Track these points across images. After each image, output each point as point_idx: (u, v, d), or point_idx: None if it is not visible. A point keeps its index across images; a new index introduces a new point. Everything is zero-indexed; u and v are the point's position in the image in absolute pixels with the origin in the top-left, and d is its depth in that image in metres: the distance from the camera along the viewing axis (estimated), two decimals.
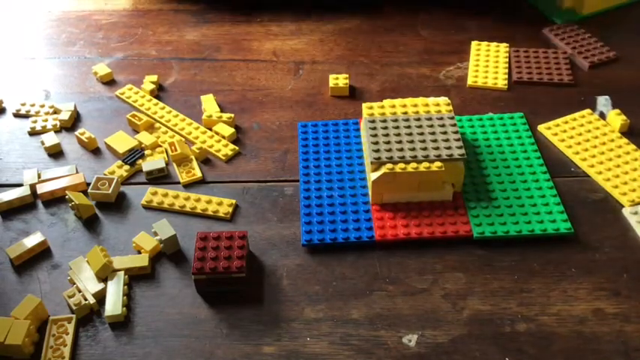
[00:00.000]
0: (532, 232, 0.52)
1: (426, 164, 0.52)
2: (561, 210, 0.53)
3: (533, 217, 0.53)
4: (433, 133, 0.55)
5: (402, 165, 0.52)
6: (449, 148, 0.53)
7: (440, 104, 0.58)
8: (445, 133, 0.55)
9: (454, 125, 0.56)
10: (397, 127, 0.55)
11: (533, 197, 0.55)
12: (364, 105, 0.58)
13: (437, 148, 0.53)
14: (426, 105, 0.58)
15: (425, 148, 0.53)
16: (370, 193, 0.55)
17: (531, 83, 0.68)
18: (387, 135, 0.55)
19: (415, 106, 0.57)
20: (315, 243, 0.52)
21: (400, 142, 0.54)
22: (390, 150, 0.53)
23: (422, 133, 0.54)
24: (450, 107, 0.58)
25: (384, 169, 0.52)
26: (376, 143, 0.54)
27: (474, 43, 0.73)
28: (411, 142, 0.54)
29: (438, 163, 0.52)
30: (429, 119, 0.56)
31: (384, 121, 0.56)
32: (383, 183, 0.53)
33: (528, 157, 0.58)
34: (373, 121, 0.56)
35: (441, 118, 0.56)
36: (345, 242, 0.52)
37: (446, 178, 0.53)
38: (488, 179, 0.56)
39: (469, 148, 0.60)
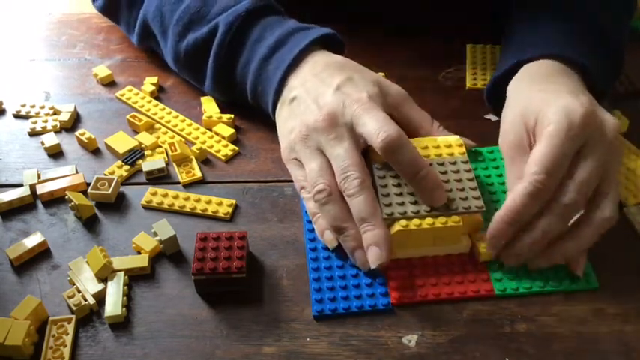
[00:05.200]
0: (556, 288, 0.49)
1: (442, 219, 0.48)
2: (586, 263, 0.50)
3: (556, 269, 0.49)
4: (448, 182, 0.51)
5: (416, 221, 0.49)
6: (465, 199, 0.50)
7: (452, 145, 0.54)
8: (460, 181, 0.51)
9: (469, 171, 0.51)
10: None
11: None
12: (371, 150, 0.52)
13: (453, 200, 0.49)
14: (437, 147, 0.53)
15: None
16: None
17: None
18: (398, 185, 0.51)
19: (425, 148, 0.53)
20: (327, 313, 0.48)
21: (413, 193, 0.50)
22: (402, 204, 0.49)
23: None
24: (463, 149, 0.53)
25: (397, 227, 0.49)
26: (387, 196, 0.50)
27: (469, 47, 0.73)
28: None
29: (456, 218, 0.48)
30: (442, 164, 0.52)
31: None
32: (396, 240, 0.49)
33: None
34: (382, 169, 0.52)
35: (455, 163, 0.52)
36: (360, 310, 0.48)
37: (463, 230, 0.50)
38: None
39: (483, 189, 0.55)
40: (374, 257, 0.48)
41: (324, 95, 0.53)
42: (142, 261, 0.51)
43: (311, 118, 0.52)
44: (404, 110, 0.56)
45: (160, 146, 0.62)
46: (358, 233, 0.49)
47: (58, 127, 0.64)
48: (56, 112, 0.66)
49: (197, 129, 0.64)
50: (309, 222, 0.54)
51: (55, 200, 0.57)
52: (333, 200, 0.50)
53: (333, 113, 0.51)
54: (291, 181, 0.58)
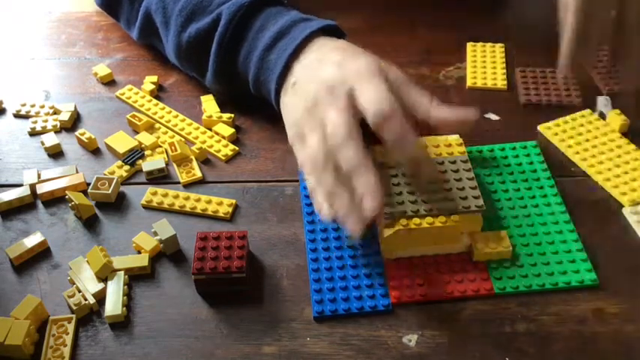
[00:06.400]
0: (555, 286, 0.49)
1: (442, 218, 0.48)
2: (584, 258, 0.50)
3: (556, 267, 0.49)
4: (447, 181, 0.51)
5: (416, 220, 0.48)
6: (465, 198, 0.49)
7: (452, 144, 0.54)
8: (460, 180, 0.51)
9: (469, 170, 0.52)
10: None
11: (554, 243, 0.51)
12: (372, 149, 0.53)
13: (452, 200, 0.49)
14: (437, 146, 0.54)
15: (439, 200, 0.50)
16: (382, 248, 0.51)
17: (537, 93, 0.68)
18: (398, 184, 0.50)
19: (425, 147, 0.53)
20: (327, 315, 0.48)
21: (413, 192, 0.50)
22: (402, 203, 0.49)
23: (436, 182, 0.51)
24: (463, 148, 0.53)
25: (397, 226, 0.48)
26: (387, 195, 0.49)
27: (469, 45, 0.73)
28: (425, 192, 0.50)
29: (455, 217, 0.48)
30: (441, 163, 0.52)
31: (393, 167, 0.52)
32: (396, 239, 0.49)
33: (545, 195, 0.55)
34: (381, 168, 0.51)
35: (454, 162, 0.52)
36: (360, 312, 0.48)
37: (463, 229, 0.50)
38: (504, 223, 0.53)
39: (483, 188, 0.55)
40: (368, 207, 0.46)
41: (324, 70, 0.53)
42: (142, 261, 0.51)
43: (312, 91, 0.52)
44: (404, 91, 0.53)
45: (160, 146, 0.62)
46: (349, 200, 0.48)
47: (58, 126, 0.64)
48: (56, 112, 0.66)
49: (197, 128, 0.64)
50: (310, 222, 0.54)
51: (55, 200, 0.57)
52: (330, 169, 0.49)
53: (332, 83, 0.51)
54: (292, 181, 0.58)
